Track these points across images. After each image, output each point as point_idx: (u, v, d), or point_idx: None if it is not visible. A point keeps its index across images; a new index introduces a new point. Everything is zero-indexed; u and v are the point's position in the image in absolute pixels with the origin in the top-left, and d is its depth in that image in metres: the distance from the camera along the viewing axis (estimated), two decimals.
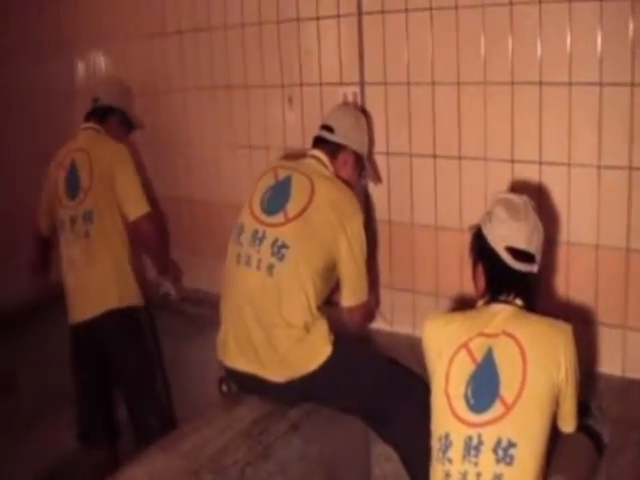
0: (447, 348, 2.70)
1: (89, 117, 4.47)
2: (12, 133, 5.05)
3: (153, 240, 4.37)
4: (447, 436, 2.57)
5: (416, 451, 3.14)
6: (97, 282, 4.21)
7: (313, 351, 3.28)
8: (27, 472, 4.40)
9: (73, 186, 4.25)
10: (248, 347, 3.35)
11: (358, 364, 3.40)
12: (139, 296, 4.32)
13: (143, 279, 4.48)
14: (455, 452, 2.53)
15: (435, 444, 2.64)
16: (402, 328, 3.98)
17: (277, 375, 3.30)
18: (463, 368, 2.63)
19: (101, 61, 5.29)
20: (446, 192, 3.69)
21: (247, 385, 3.49)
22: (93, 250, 4.20)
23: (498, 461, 2.46)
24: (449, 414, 2.59)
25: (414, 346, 3.54)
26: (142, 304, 4.33)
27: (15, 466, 4.40)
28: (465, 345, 2.65)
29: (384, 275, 4.01)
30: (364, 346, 3.81)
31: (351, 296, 3.50)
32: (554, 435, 2.61)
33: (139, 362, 4.32)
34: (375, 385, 3.38)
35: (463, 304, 3.50)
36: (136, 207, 4.21)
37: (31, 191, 4.76)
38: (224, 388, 3.62)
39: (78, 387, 4.46)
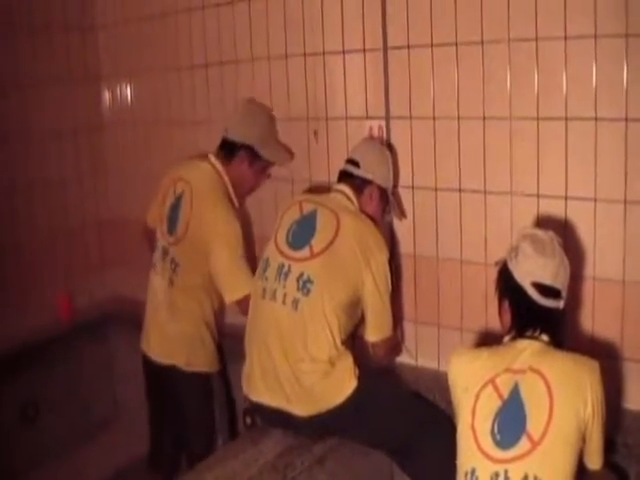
0: (473, 384, 2.69)
1: (220, 148, 4.13)
2: (40, 164, 5.09)
3: None
4: (473, 472, 2.56)
5: None
6: (168, 336, 4.03)
7: (338, 385, 3.28)
8: None
9: (172, 220, 4.03)
10: (273, 381, 3.35)
11: (383, 398, 3.41)
12: (213, 363, 4.07)
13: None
14: None
15: None
16: (427, 362, 3.95)
17: (302, 409, 3.31)
18: (489, 404, 2.62)
19: (128, 94, 5.36)
20: (471, 226, 3.69)
21: (272, 419, 3.48)
22: (172, 301, 3.99)
23: None
24: (475, 450, 2.58)
25: (439, 380, 3.57)
26: (215, 370, 4.09)
27: None
28: (492, 381, 2.65)
29: (409, 309, 3.99)
30: (389, 380, 3.80)
31: (376, 331, 3.50)
32: (580, 472, 2.59)
33: (199, 424, 4.10)
34: (400, 420, 3.38)
35: (488, 339, 3.48)
36: (227, 293, 3.89)
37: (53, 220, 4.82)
38: (248, 421, 3.62)
39: (149, 411, 4.34)
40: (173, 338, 3.99)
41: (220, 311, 4.15)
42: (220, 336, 4.13)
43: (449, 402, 2.88)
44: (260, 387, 3.42)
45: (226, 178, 4.05)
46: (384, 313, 3.48)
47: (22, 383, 4.65)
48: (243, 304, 3.77)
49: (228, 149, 4.08)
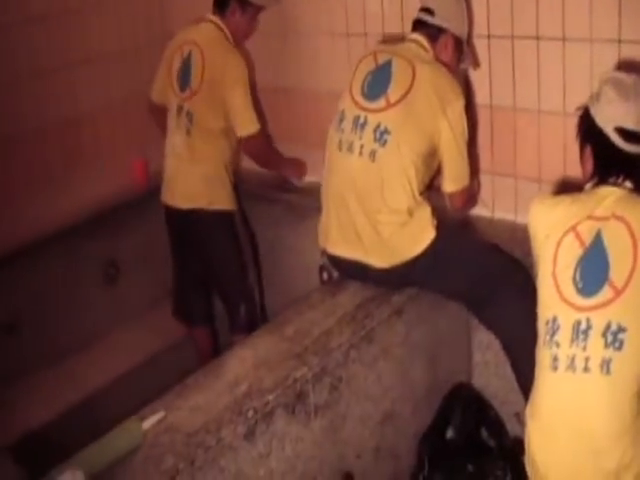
0: (554, 231, 2.65)
1: (214, 4, 4.38)
2: (118, 33, 5.06)
3: (260, 157, 4.48)
4: (555, 320, 2.55)
5: (518, 337, 3.18)
6: (189, 180, 4.28)
7: (417, 235, 3.29)
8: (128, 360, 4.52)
9: (184, 78, 4.27)
10: (351, 233, 3.36)
11: (461, 248, 3.42)
12: (231, 201, 4.33)
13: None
14: (563, 336, 2.51)
15: (542, 328, 2.61)
16: (503, 214, 3.92)
17: (380, 260, 3.31)
18: (571, 251, 2.58)
19: None
20: (549, 75, 3.59)
21: (349, 271, 3.50)
22: (191, 148, 4.25)
23: (607, 345, 2.42)
24: (557, 298, 2.56)
25: (515, 233, 3.57)
26: (234, 208, 4.35)
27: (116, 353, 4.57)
28: (573, 228, 2.60)
29: (485, 160, 3.94)
30: (467, 232, 3.80)
31: (452, 181, 3.46)
32: None
33: (229, 261, 4.37)
34: (478, 269, 3.37)
35: (567, 190, 3.42)
36: (243, 126, 4.23)
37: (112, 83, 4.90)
38: (324, 275, 3.64)
39: (175, 265, 4.60)
40: (195, 182, 4.26)
41: (237, 155, 4.52)
42: (236, 178, 4.45)
43: (526, 254, 2.86)
44: (337, 239, 3.44)
45: (226, 30, 4.32)
46: (461, 162, 3.43)
47: (103, 243, 4.71)
48: (251, 143, 4.30)
49: (220, 3, 4.33)
